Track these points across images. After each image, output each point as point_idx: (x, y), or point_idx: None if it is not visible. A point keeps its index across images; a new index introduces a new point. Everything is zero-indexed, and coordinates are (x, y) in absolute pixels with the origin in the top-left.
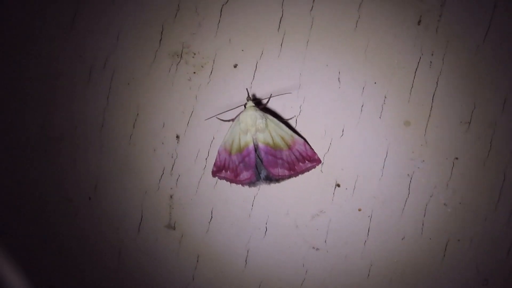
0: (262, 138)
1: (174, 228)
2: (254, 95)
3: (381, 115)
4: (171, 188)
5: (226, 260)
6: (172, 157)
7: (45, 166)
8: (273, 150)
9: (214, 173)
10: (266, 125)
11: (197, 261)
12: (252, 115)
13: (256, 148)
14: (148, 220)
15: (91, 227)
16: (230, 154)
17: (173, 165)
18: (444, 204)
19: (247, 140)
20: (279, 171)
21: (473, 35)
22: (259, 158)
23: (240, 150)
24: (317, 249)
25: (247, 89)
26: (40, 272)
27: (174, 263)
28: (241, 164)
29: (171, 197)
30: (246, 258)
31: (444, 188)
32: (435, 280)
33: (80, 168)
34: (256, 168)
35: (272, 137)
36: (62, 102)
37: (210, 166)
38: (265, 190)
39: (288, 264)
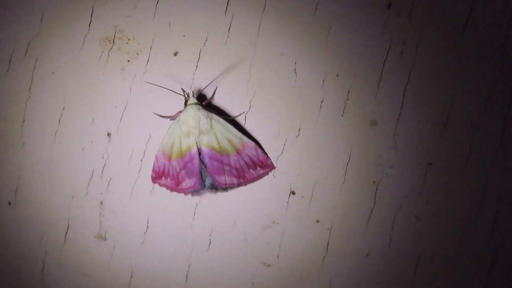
0: (207, 142)
1: (105, 239)
2: (198, 90)
3: (343, 113)
4: (102, 193)
5: (164, 276)
6: (102, 157)
7: None
8: (219, 155)
9: (153, 180)
10: (211, 127)
11: (131, 276)
12: (195, 114)
13: (199, 153)
14: (76, 229)
15: (11, 236)
16: (170, 159)
17: (103, 167)
18: (416, 216)
19: (189, 143)
20: (226, 179)
21: (451, 23)
22: (203, 163)
23: (181, 155)
24: (269, 265)
25: (182, 89)
26: None
27: (105, 279)
28: (183, 171)
29: (101, 203)
30: (187, 274)
31: (416, 198)
32: None
33: None
34: (201, 175)
35: (218, 140)
36: None
37: (146, 169)
38: (209, 197)
39: (235, 281)
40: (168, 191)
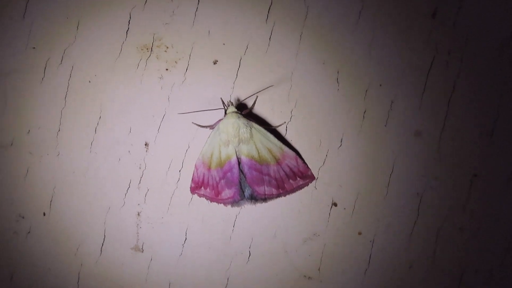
0: (246, 151)
1: (142, 251)
2: (237, 99)
3: (386, 123)
4: (139, 204)
5: None
6: (140, 168)
7: None
8: (259, 165)
9: (192, 190)
10: (251, 135)
11: None
12: (235, 123)
13: (239, 162)
14: (112, 241)
15: (46, 249)
16: (209, 168)
17: (141, 178)
18: (460, 229)
19: (228, 152)
20: (266, 189)
21: (497, 32)
22: (242, 173)
23: (221, 165)
24: (309, 278)
25: (221, 98)
26: None
27: None
28: (222, 181)
29: (138, 214)
30: (226, 287)
31: (461, 210)
32: None
33: (33, 179)
34: (240, 185)
35: (257, 150)
36: (13, 102)
37: (184, 179)
38: (249, 209)
39: None
40: (207, 202)
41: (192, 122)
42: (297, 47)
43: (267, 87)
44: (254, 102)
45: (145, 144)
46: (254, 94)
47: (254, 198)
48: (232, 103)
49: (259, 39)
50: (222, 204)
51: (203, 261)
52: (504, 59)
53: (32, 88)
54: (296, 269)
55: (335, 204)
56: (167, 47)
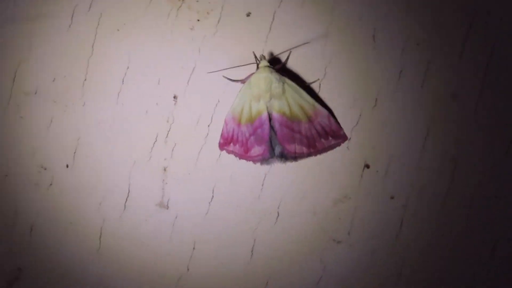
0: (278, 107)
1: (167, 207)
2: (270, 53)
3: (423, 84)
4: (165, 159)
5: (228, 250)
6: (167, 121)
7: (15, 126)
8: (290, 121)
9: (221, 146)
10: (284, 91)
11: (194, 248)
12: (267, 77)
13: (270, 118)
14: (137, 196)
15: (68, 201)
16: (239, 124)
17: (168, 132)
18: (495, 196)
19: (259, 108)
20: (296, 147)
21: None
22: (273, 130)
23: (251, 120)
24: (339, 241)
25: (254, 52)
26: (7, 254)
27: (165, 250)
28: (252, 137)
29: (164, 169)
30: (253, 248)
31: (496, 177)
32: (481, 284)
33: (57, 129)
34: (270, 142)
35: (289, 106)
36: (38, 49)
37: (213, 135)
38: (279, 168)
39: (302, 258)
40: (236, 159)
41: (223, 76)
42: (333, 1)
43: (302, 44)
44: (288, 58)
45: (174, 97)
46: (288, 50)
47: (284, 156)
48: (264, 57)
49: None
50: (251, 162)
51: (229, 220)
52: None
53: (59, 35)
54: (325, 232)
55: (368, 166)
56: None
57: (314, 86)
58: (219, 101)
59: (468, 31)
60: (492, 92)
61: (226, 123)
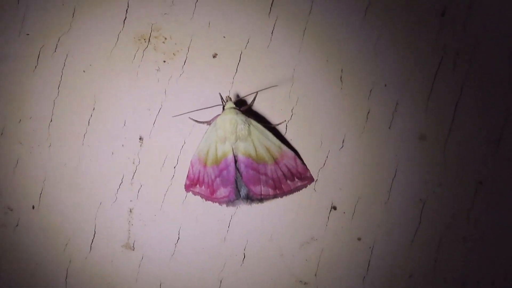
0: (243, 149)
1: (133, 249)
2: (236, 94)
3: (390, 125)
4: (131, 201)
5: None
6: (133, 163)
7: None
8: (256, 163)
9: (187, 188)
10: (249, 133)
11: None
12: (232, 119)
13: (235, 160)
14: (103, 237)
15: (34, 242)
16: (205, 165)
17: (134, 173)
18: (463, 238)
19: (225, 150)
20: (262, 189)
21: (509, 34)
22: (238, 172)
23: (217, 162)
24: (305, 283)
25: (220, 94)
26: None
27: None
28: (218, 179)
29: (130, 211)
30: None
31: (464, 219)
32: None
33: (23, 170)
34: (236, 184)
35: (255, 148)
36: (4, 90)
37: (179, 176)
38: (245, 210)
39: None
40: (202, 200)
41: (189, 117)
42: (300, 43)
43: (270, 87)
44: (254, 99)
45: (140, 138)
46: (254, 92)
47: (250, 198)
48: (230, 98)
49: (261, 33)
50: (217, 203)
51: (196, 261)
52: None
53: (25, 76)
54: (292, 274)
55: (335, 208)
56: (165, 38)
57: (281, 128)
58: (185, 143)
59: (436, 71)
60: (461, 133)
61: (192, 164)
